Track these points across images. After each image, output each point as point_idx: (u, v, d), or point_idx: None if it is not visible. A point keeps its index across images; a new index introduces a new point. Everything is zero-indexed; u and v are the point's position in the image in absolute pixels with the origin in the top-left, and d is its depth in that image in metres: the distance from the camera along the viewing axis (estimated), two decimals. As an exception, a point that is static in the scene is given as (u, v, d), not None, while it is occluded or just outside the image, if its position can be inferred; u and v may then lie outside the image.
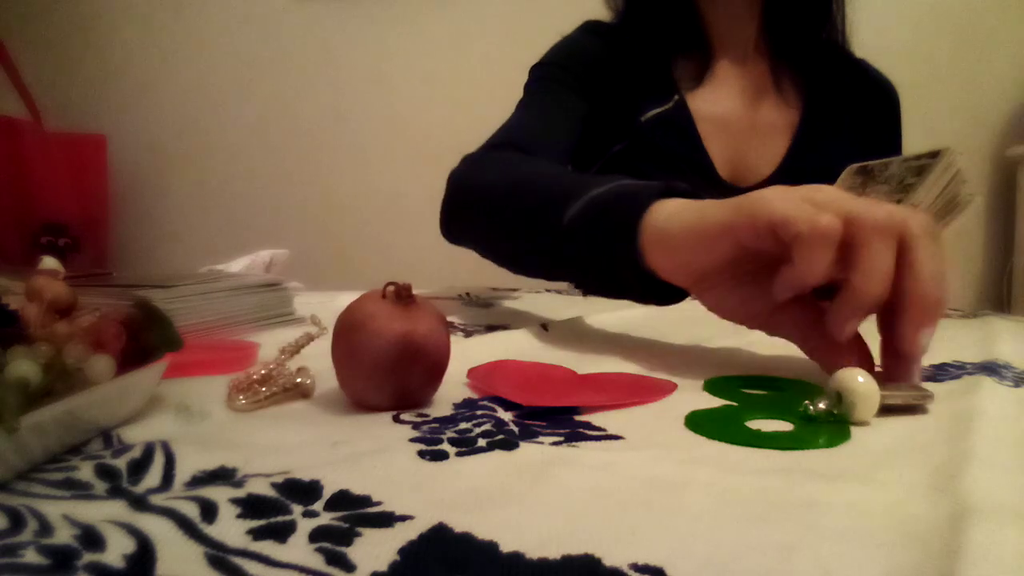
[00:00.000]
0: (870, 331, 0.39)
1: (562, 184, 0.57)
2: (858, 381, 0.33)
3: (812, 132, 0.95)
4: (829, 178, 0.81)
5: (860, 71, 1.00)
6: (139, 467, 0.26)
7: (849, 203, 0.37)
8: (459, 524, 0.21)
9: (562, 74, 0.93)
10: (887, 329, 0.38)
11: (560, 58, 0.95)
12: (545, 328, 0.57)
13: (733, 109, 0.94)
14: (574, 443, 0.30)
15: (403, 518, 0.22)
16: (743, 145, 0.93)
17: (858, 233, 0.36)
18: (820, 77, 0.97)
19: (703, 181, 0.90)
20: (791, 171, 0.92)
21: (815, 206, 0.37)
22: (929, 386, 0.40)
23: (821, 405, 0.33)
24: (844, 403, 0.33)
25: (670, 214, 0.44)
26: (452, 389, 0.38)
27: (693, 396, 0.38)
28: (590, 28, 0.99)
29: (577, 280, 0.60)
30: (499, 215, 0.63)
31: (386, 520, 0.22)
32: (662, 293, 0.48)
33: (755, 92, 0.96)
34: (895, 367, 0.38)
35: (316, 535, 0.21)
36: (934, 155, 0.73)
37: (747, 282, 0.43)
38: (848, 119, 0.97)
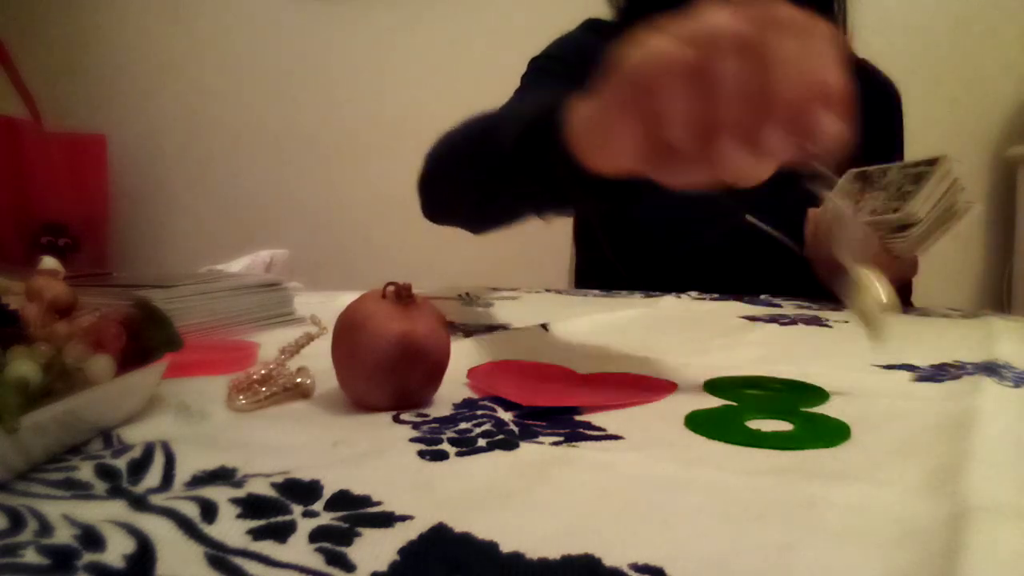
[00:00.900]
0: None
1: (491, 121, 0.57)
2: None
3: None
4: None
5: (862, 71, 1.00)
6: (139, 467, 0.26)
7: (691, 21, 0.32)
8: (459, 524, 0.21)
9: (560, 67, 0.93)
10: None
11: (559, 52, 0.95)
12: (545, 328, 0.57)
13: None
14: (574, 443, 0.30)
15: (403, 518, 0.22)
16: None
17: (708, 51, 0.30)
18: None
19: None
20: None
21: (654, 37, 0.33)
22: (929, 386, 0.40)
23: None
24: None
25: (579, 119, 0.42)
26: (452, 389, 0.38)
27: (693, 396, 0.38)
28: (591, 26, 0.98)
29: (532, 212, 0.59)
30: (453, 174, 0.64)
31: (386, 520, 0.22)
32: (615, 192, 0.45)
33: None
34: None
35: (316, 535, 0.21)
36: (931, 163, 0.74)
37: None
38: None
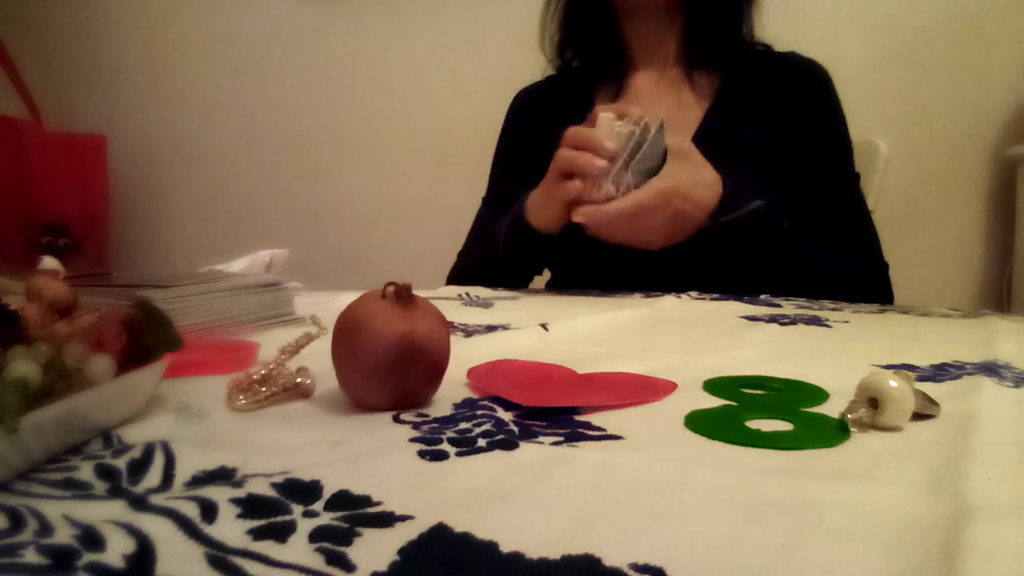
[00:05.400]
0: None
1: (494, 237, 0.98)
2: (891, 385, 0.32)
3: (720, 116, 1.00)
4: (736, 156, 0.92)
5: (779, 59, 1.05)
6: (139, 467, 0.26)
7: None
8: (459, 524, 0.21)
9: (505, 163, 1.15)
10: None
11: (502, 148, 1.17)
12: (545, 328, 0.57)
13: (645, 109, 0.95)
14: (574, 443, 0.30)
15: (403, 518, 0.22)
16: None
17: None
18: (736, 70, 1.03)
19: None
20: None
21: None
22: (929, 386, 0.40)
23: (861, 412, 0.32)
24: (879, 409, 0.32)
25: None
26: (452, 389, 0.38)
27: (693, 396, 0.38)
28: (516, 102, 1.17)
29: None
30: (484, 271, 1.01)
31: (386, 520, 0.22)
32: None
33: (670, 94, 1.04)
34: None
35: (316, 535, 0.21)
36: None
37: None
38: (764, 101, 1.01)
